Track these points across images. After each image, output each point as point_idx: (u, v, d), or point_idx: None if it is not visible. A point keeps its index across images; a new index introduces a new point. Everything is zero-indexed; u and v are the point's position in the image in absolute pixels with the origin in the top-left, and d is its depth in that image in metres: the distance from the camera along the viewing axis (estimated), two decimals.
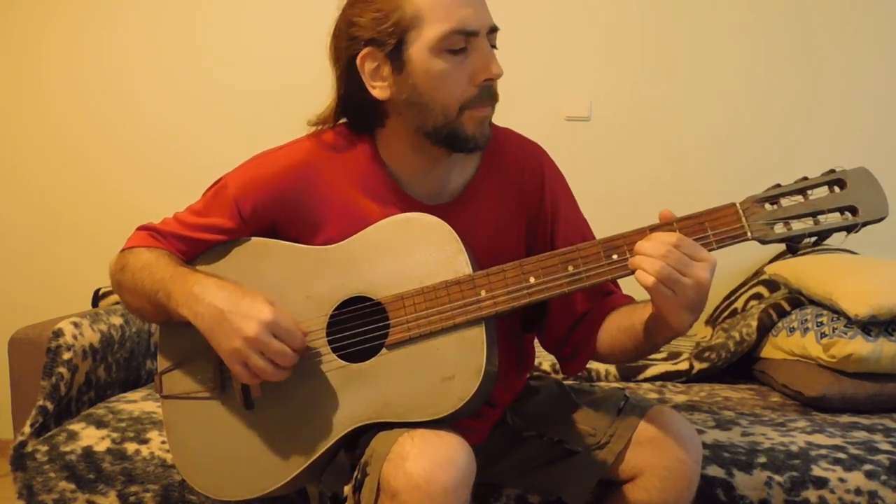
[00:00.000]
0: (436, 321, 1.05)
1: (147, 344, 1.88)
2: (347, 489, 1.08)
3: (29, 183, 2.55)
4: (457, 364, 1.04)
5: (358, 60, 1.11)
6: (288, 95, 2.40)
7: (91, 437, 1.51)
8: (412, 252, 1.09)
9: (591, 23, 2.38)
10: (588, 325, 1.22)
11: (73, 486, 1.47)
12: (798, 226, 0.99)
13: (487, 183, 1.21)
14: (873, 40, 2.32)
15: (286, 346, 1.04)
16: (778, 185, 1.01)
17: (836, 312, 1.71)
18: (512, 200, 1.22)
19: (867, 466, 1.38)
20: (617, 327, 1.16)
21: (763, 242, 1.00)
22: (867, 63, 2.33)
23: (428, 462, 0.96)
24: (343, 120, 1.21)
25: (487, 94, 1.10)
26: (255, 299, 1.05)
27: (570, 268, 1.04)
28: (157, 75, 2.50)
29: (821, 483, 1.36)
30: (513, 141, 1.26)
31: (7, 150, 2.56)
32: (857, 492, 1.36)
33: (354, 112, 1.18)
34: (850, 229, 0.99)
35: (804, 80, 2.34)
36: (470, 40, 1.08)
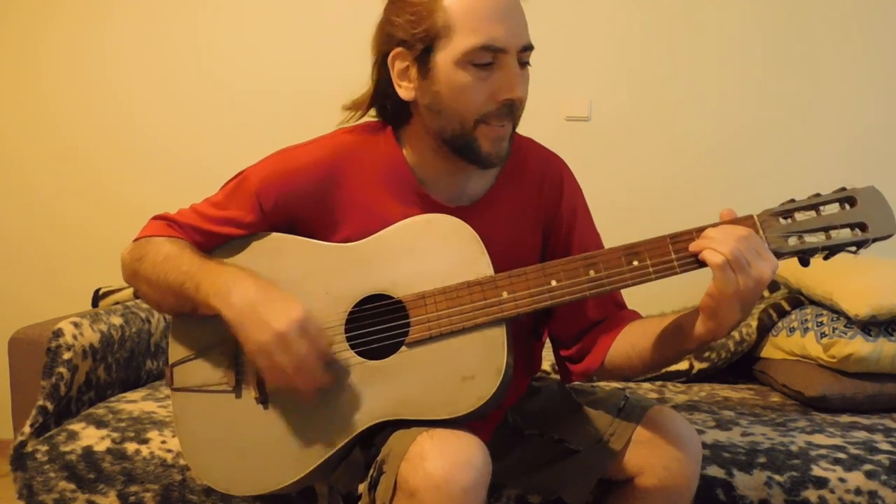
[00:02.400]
0: (457, 321, 1.06)
1: (147, 344, 1.88)
2: (362, 487, 1.08)
3: (29, 183, 2.55)
4: (477, 364, 1.04)
5: (389, 58, 1.12)
6: (289, 96, 2.41)
7: (91, 437, 1.51)
8: (434, 252, 1.10)
9: (591, 23, 2.38)
10: (599, 333, 1.22)
11: (73, 486, 1.47)
12: (811, 239, 1.02)
13: (507, 190, 1.22)
14: (872, 39, 2.32)
15: (312, 349, 1.04)
16: (792, 200, 1.04)
17: (836, 312, 1.71)
18: (530, 209, 1.23)
19: (867, 466, 1.38)
20: (642, 333, 1.15)
21: (778, 256, 1.02)
22: (866, 61, 2.33)
23: (447, 462, 0.96)
24: (373, 112, 1.21)
25: (506, 112, 1.10)
26: (288, 296, 1.06)
27: (592, 272, 1.05)
28: (158, 75, 2.50)
29: (821, 483, 1.36)
30: (534, 151, 1.26)
31: (7, 151, 2.56)
32: (857, 492, 1.36)
33: (383, 106, 1.19)
34: (860, 245, 1.02)
35: (803, 79, 2.34)
36: (498, 57, 1.07)
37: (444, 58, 1.07)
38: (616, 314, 1.23)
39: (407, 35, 1.09)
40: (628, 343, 1.17)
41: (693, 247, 1.02)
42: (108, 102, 2.51)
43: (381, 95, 1.17)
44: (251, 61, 2.47)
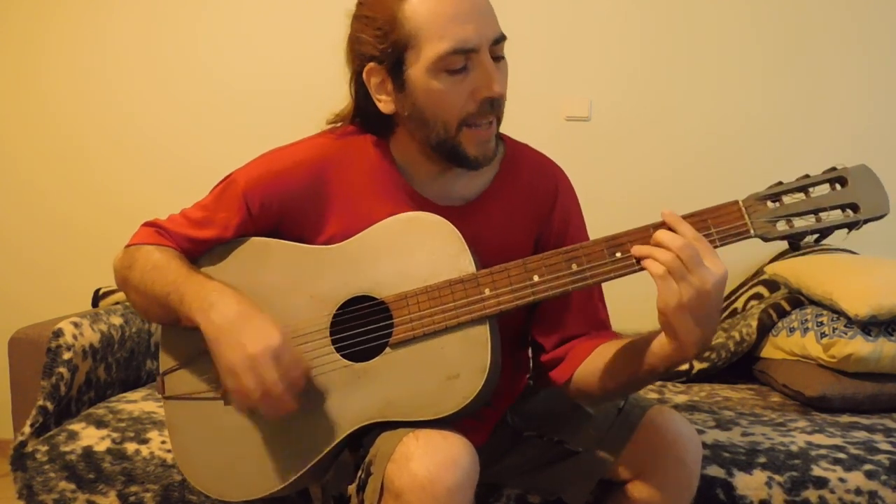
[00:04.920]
0: (440, 320, 1.05)
1: (147, 344, 1.88)
2: (351, 489, 1.08)
3: (29, 183, 2.55)
4: (461, 363, 1.04)
5: (364, 74, 1.11)
6: (289, 96, 2.41)
7: (91, 437, 1.51)
8: (415, 251, 1.09)
9: (591, 22, 2.38)
10: (574, 346, 1.20)
11: (73, 486, 1.47)
12: (800, 223, 1.00)
13: (501, 192, 1.21)
14: (872, 39, 2.32)
15: (281, 378, 1.02)
16: (780, 183, 1.01)
17: (836, 312, 1.71)
18: (523, 212, 1.22)
19: (867, 466, 1.38)
20: (614, 352, 1.12)
21: (766, 240, 1.00)
22: (866, 60, 2.33)
23: (432, 463, 0.96)
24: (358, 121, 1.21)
25: (488, 109, 1.09)
26: (268, 321, 1.05)
27: (574, 266, 1.04)
28: (158, 75, 2.50)
29: (821, 483, 1.36)
30: (530, 156, 1.26)
31: (7, 150, 2.56)
32: (857, 492, 1.36)
33: (366, 119, 1.18)
34: (851, 226, 0.99)
35: (802, 77, 2.34)
36: (470, 57, 1.06)
37: (417, 69, 1.06)
38: (596, 332, 1.21)
39: (376, 51, 1.08)
40: (601, 359, 1.14)
41: (636, 251, 0.99)
42: (108, 102, 2.51)
43: (362, 109, 1.17)
44: (251, 62, 2.47)
